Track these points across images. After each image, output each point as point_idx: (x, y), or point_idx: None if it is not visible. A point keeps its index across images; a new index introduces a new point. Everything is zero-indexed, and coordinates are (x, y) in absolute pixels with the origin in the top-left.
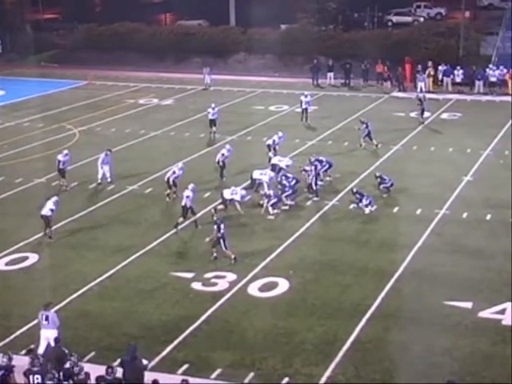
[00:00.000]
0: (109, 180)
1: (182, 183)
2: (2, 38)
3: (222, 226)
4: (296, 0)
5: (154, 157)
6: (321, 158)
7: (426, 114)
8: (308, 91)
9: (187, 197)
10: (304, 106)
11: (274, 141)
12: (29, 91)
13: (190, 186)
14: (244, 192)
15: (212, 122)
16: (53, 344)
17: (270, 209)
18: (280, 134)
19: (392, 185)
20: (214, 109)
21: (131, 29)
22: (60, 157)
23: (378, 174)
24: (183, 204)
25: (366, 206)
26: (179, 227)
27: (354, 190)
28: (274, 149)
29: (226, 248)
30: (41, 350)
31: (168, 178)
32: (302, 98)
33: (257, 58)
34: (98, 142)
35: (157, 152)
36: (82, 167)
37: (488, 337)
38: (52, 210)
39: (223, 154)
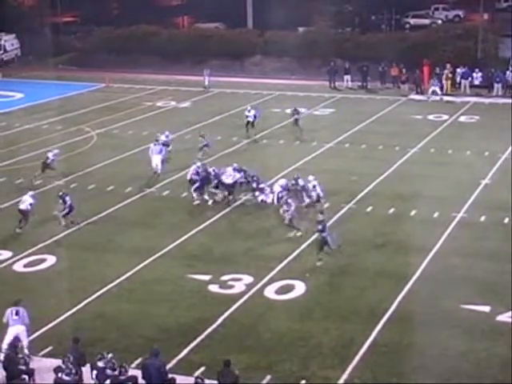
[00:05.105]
0: (158, 171)
1: None
2: (21, 41)
3: (66, 198)
4: (313, 3)
5: (172, 159)
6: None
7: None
8: (327, 93)
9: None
10: (248, 120)
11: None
12: (47, 94)
13: None
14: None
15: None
16: (23, 339)
17: (195, 194)
18: (235, 165)
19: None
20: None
21: (148, 32)
22: (50, 154)
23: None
24: None
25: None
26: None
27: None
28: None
29: (65, 216)
30: (5, 345)
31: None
32: (246, 112)
33: (274, 61)
34: (116, 144)
35: (174, 154)
36: (99, 169)
37: (505, 340)
38: (31, 204)
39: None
